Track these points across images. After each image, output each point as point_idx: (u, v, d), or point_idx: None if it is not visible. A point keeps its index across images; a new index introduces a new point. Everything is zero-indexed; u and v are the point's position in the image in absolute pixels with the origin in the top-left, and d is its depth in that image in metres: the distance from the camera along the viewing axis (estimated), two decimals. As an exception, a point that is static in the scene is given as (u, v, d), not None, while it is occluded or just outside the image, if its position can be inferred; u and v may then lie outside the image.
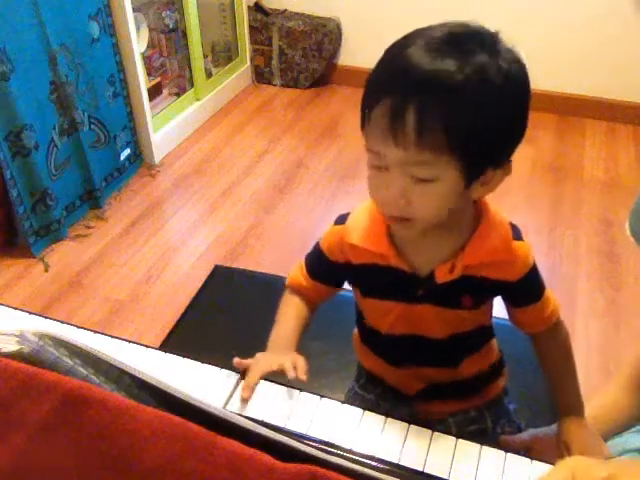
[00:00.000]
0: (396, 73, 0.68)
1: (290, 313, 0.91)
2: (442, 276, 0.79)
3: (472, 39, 0.67)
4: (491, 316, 0.92)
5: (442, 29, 0.68)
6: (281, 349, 0.84)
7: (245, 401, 0.74)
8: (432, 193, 0.70)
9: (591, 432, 0.87)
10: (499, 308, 0.92)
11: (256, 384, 0.77)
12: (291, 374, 0.77)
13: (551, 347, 0.90)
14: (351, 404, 0.74)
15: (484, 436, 0.93)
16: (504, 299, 0.88)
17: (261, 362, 0.79)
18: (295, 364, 0.78)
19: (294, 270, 0.94)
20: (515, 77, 0.68)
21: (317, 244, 0.90)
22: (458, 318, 0.84)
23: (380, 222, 0.80)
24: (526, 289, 0.84)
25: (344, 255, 0.86)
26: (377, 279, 0.84)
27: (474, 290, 0.82)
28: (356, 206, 0.86)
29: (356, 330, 1.00)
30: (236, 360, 0.80)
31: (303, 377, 0.77)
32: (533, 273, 0.83)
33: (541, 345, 0.90)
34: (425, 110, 0.65)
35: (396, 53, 0.69)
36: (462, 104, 0.65)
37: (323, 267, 0.90)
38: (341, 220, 0.86)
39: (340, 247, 0.85)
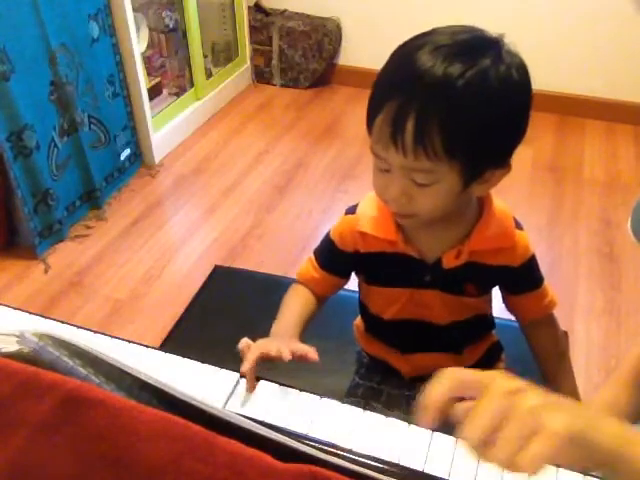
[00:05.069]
0: (397, 82, 0.70)
1: (295, 302, 0.92)
2: (449, 261, 0.83)
3: (476, 46, 0.68)
4: (491, 307, 0.94)
5: (447, 37, 0.69)
6: (284, 338, 0.83)
7: (249, 390, 0.74)
8: (432, 194, 0.73)
9: None
10: (501, 309, 0.93)
11: (255, 361, 0.75)
12: (286, 357, 0.75)
13: (547, 337, 0.93)
14: (353, 395, 0.74)
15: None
16: (505, 288, 0.91)
17: (261, 344, 0.78)
18: (295, 350, 0.77)
19: (303, 264, 0.96)
20: (516, 81, 0.70)
21: (327, 235, 0.93)
22: (461, 305, 0.88)
23: (387, 211, 0.83)
24: (527, 275, 0.88)
25: (354, 244, 0.88)
26: (386, 266, 0.88)
27: (478, 277, 0.86)
28: (364, 196, 0.89)
29: (357, 320, 1.02)
30: (242, 342, 0.78)
31: (314, 357, 0.76)
32: (533, 261, 0.87)
33: (534, 334, 0.93)
34: (423, 119, 0.67)
35: (399, 61, 0.71)
36: (460, 111, 0.67)
37: (334, 257, 0.92)
38: (351, 210, 0.89)
39: (351, 235, 0.88)
